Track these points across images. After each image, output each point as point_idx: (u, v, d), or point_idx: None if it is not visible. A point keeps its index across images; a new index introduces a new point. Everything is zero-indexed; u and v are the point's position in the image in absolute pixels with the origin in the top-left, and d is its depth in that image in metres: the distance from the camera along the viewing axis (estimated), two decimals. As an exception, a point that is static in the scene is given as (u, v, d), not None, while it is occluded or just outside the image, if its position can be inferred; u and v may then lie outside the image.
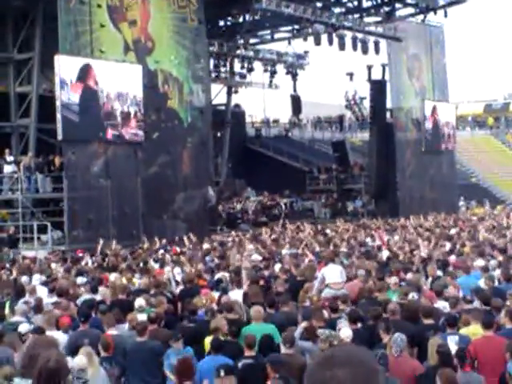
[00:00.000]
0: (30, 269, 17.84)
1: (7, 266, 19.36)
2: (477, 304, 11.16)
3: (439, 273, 14.72)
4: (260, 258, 18.32)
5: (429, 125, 44.20)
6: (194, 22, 31.81)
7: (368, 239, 23.73)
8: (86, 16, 27.43)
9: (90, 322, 10.74)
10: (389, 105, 44.84)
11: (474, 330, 9.51)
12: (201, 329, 10.58)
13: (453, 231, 25.23)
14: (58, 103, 26.39)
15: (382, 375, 2.29)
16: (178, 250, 21.57)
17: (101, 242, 21.78)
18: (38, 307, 12.20)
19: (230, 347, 9.42)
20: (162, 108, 30.91)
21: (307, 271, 14.82)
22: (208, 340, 9.93)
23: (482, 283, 13.12)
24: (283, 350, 9.11)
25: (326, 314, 10.94)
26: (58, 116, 26.38)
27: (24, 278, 15.51)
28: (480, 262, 15.13)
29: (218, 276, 15.23)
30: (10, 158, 28.91)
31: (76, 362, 8.00)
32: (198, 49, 32.51)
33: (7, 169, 28.53)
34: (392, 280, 13.17)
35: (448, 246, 19.87)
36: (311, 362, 2.42)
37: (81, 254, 21.16)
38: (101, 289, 13.93)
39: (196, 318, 11.33)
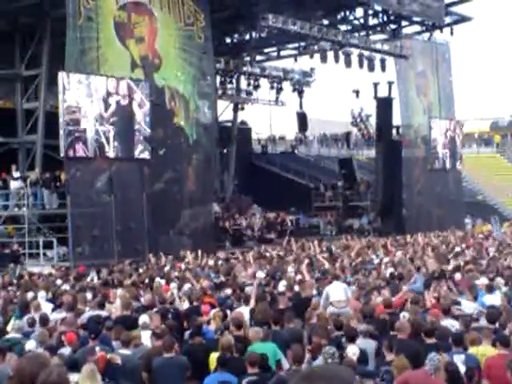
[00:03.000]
0: (35, 285, 17.87)
1: (14, 281, 19.41)
2: (483, 322, 11.12)
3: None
4: (264, 275, 18.29)
5: (436, 142, 44.24)
6: (200, 40, 31.91)
7: (373, 256, 23.70)
8: (93, 33, 27.55)
9: (99, 339, 10.74)
10: (397, 122, 44.97)
11: (485, 351, 9.42)
12: (207, 346, 10.59)
13: (458, 249, 25.13)
14: (60, 120, 26.46)
15: None
16: (184, 266, 21.54)
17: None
18: (44, 320, 12.25)
19: (235, 364, 9.44)
20: (168, 125, 31.00)
21: (306, 289, 14.83)
22: (214, 356, 9.96)
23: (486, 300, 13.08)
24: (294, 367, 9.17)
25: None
26: (61, 132, 26.46)
27: (29, 295, 15.54)
28: (484, 280, 15.07)
29: (222, 293, 15.22)
30: (16, 174, 29.01)
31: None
32: (204, 66, 32.60)
33: (14, 184, 28.61)
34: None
35: (453, 263, 19.80)
36: (295, 377, 2.52)
37: (87, 271, 21.15)
38: (107, 305, 13.96)
39: (204, 336, 11.31)
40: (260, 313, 12.35)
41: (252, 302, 13.49)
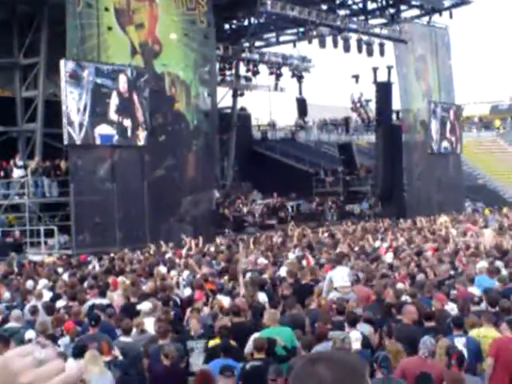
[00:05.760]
0: (37, 273, 17.89)
1: (16, 270, 19.44)
2: (484, 305, 11.14)
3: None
4: (266, 261, 18.32)
5: (436, 126, 44.21)
6: (203, 24, 31.78)
7: (377, 242, 23.64)
8: (93, 19, 27.48)
9: (100, 326, 10.73)
10: (396, 106, 44.95)
11: (486, 333, 9.44)
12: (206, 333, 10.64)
13: (454, 232, 25.13)
14: (63, 107, 26.44)
15: (367, 381, 2.32)
16: (184, 253, 21.55)
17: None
18: (50, 309, 12.27)
19: (236, 352, 9.47)
20: (169, 111, 30.94)
21: (309, 274, 14.84)
22: (211, 343, 9.98)
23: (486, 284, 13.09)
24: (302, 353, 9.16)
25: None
26: (64, 120, 26.44)
27: (29, 283, 15.56)
28: (483, 264, 15.07)
29: (221, 280, 15.25)
30: (20, 163, 29.00)
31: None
32: (206, 51, 32.51)
33: (17, 173, 28.60)
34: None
35: (452, 247, 19.84)
36: (301, 360, 2.48)
37: (89, 259, 21.20)
38: (108, 293, 13.98)
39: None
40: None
41: (242, 290, 13.47)
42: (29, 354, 1.60)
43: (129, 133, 28.62)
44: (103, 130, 27.66)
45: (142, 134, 29.07)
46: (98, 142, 27.52)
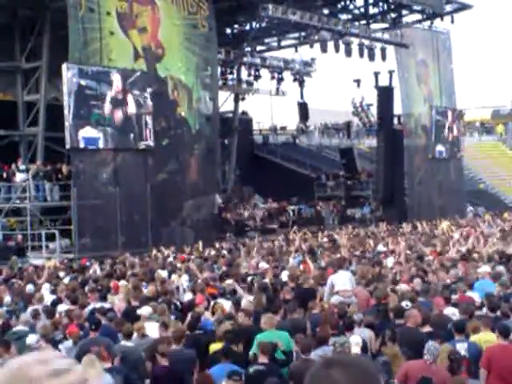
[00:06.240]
0: (38, 277, 17.90)
1: (16, 274, 19.42)
2: (485, 310, 11.13)
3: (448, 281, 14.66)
4: (267, 265, 18.32)
5: (436, 131, 44.19)
6: (204, 29, 31.82)
7: (380, 246, 23.61)
8: (95, 24, 27.53)
9: (101, 330, 10.72)
10: (397, 111, 44.95)
11: (487, 337, 9.42)
12: (207, 337, 10.63)
13: (457, 236, 25.10)
14: (65, 112, 26.44)
15: None
16: (186, 257, 21.55)
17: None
18: (49, 313, 12.27)
19: (237, 356, 9.46)
20: (172, 115, 30.95)
21: (314, 278, 14.83)
22: (213, 347, 9.97)
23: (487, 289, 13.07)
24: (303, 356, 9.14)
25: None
26: (67, 124, 26.44)
27: (29, 287, 15.56)
28: (486, 268, 15.04)
29: (223, 284, 15.25)
30: (22, 167, 29.01)
31: None
32: (207, 55, 32.54)
33: (19, 177, 28.61)
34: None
35: (454, 251, 19.80)
36: (314, 365, 2.47)
37: (88, 263, 21.18)
38: (109, 297, 13.98)
39: (201, 326, 11.32)
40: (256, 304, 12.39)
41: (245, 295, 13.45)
42: (48, 363, 1.57)
43: (124, 135, 28.55)
44: (88, 133, 27.13)
45: (131, 135, 28.89)
46: (81, 145, 27.07)
